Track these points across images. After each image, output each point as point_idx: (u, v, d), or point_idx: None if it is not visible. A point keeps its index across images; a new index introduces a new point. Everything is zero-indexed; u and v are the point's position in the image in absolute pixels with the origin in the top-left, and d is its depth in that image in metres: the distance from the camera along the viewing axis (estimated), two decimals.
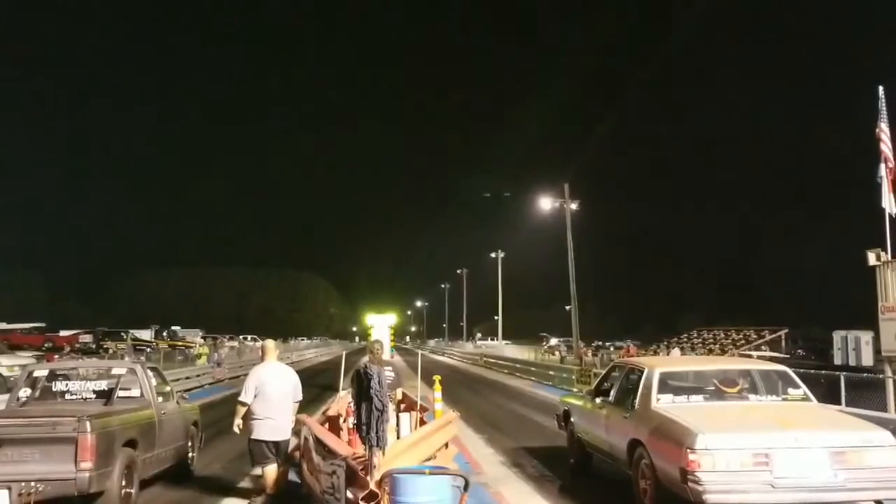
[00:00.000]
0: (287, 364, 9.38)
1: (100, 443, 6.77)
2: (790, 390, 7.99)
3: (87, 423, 6.67)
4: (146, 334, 48.51)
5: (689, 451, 6.50)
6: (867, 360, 21.63)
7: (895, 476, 6.50)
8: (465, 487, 4.86)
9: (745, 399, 7.88)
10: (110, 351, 34.22)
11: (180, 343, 44.37)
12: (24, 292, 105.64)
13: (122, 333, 44.03)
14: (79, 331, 45.00)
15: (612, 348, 48.83)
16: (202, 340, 44.91)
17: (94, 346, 38.09)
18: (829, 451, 6.51)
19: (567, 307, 36.37)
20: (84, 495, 6.70)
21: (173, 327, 57.34)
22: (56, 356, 25.10)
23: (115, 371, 8.87)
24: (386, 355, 25.23)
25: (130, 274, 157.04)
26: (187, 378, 22.73)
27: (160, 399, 8.92)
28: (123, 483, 7.23)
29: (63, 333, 45.03)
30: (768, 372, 8.52)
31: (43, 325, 46.07)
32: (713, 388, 8.02)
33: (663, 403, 7.66)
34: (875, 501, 6.81)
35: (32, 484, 6.40)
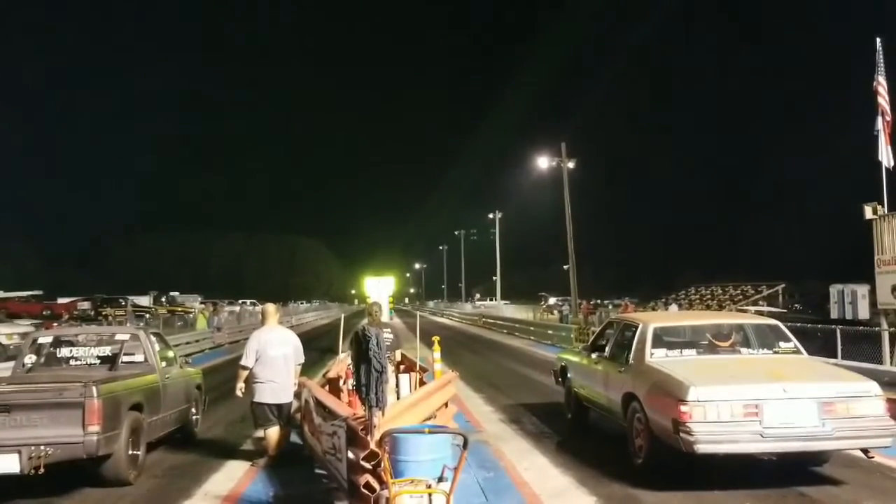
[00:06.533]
0: (287, 328, 9.47)
1: (106, 407, 6.89)
2: (781, 344, 8.14)
3: (94, 389, 6.80)
4: (144, 300, 48.47)
5: (680, 403, 6.66)
6: (863, 313, 21.73)
7: (881, 425, 6.69)
8: (465, 445, 4.94)
9: (737, 353, 8.04)
10: (109, 318, 34.18)
11: (179, 308, 44.29)
12: (21, 260, 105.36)
13: (121, 300, 43.79)
14: (77, 298, 44.85)
15: (610, 306, 48.93)
16: (201, 305, 44.87)
17: (92, 313, 37.87)
18: (817, 402, 6.67)
19: (565, 266, 36.48)
20: (93, 458, 6.85)
21: (171, 293, 57.33)
22: (55, 324, 25.13)
23: (118, 337, 8.97)
24: (384, 317, 25.36)
25: (127, 240, 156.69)
26: (187, 343, 22.85)
27: (164, 364, 9.02)
28: (130, 446, 7.40)
29: (61, 301, 44.94)
30: (760, 326, 8.68)
31: (40, 292, 45.94)
32: (706, 342, 8.17)
33: (657, 358, 7.80)
34: (861, 450, 7.02)
35: (42, 447, 6.55)
